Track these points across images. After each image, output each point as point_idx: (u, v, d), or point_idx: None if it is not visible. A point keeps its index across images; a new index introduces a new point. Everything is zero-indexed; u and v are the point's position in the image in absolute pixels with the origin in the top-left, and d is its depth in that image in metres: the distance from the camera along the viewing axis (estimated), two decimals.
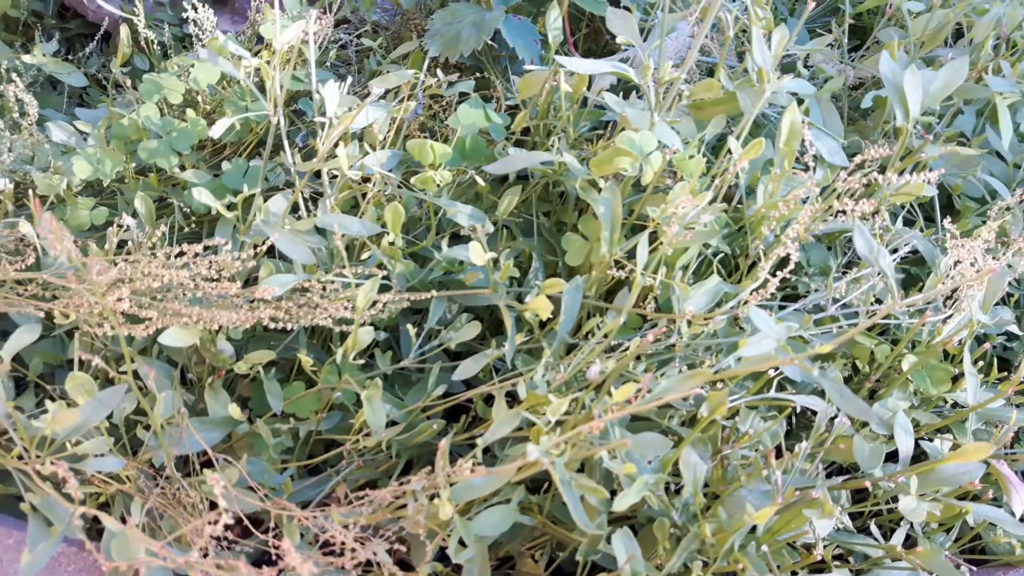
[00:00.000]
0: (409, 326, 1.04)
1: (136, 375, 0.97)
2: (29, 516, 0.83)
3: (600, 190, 1.05)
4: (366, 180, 1.14)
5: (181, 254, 0.91)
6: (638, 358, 1.02)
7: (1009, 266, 1.15)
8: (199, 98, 1.33)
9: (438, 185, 1.13)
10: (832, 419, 0.99)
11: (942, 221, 1.21)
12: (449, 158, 1.15)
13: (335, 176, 1.11)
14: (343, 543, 0.82)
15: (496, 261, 1.03)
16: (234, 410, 0.96)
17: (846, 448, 0.98)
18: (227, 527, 0.77)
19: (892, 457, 0.99)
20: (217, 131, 1.05)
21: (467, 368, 1.03)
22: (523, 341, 1.06)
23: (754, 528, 0.88)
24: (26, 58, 1.43)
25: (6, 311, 0.96)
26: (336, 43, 1.56)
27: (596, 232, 1.09)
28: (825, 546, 0.96)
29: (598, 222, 1.04)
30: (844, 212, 1.01)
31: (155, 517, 0.91)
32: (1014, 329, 1.18)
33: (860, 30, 1.70)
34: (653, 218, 1.02)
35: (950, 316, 1.10)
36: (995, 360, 1.18)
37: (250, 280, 1.08)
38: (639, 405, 0.77)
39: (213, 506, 0.92)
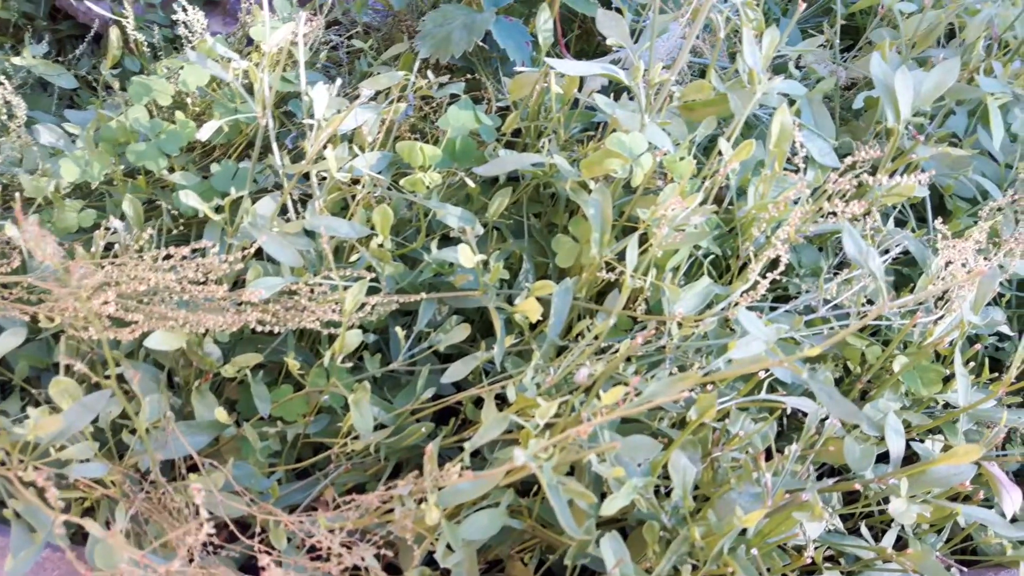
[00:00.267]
0: (398, 328, 1.04)
1: (122, 379, 0.96)
2: (12, 522, 0.83)
3: (590, 192, 1.04)
4: (355, 182, 1.13)
5: (168, 257, 0.91)
6: (628, 360, 1.01)
7: (1000, 267, 1.15)
8: (188, 100, 1.32)
9: (428, 187, 1.12)
10: (823, 420, 0.98)
11: (934, 222, 1.21)
12: (439, 160, 1.15)
13: (324, 178, 1.10)
14: (330, 548, 0.82)
15: (486, 263, 1.03)
16: (221, 414, 0.96)
17: (837, 450, 0.98)
18: (214, 532, 0.76)
19: (883, 458, 0.98)
20: (204, 133, 1.04)
21: (456, 370, 1.02)
22: (513, 343, 1.05)
23: (744, 531, 0.88)
24: (16, 60, 1.42)
25: None
26: (327, 44, 1.55)
27: (586, 234, 1.08)
28: (816, 548, 0.96)
29: (588, 224, 1.04)
30: (835, 214, 1.00)
31: (140, 522, 0.90)
32: (1005, 330, 1.18)
33: (852, 30, 1.70)
34: (643, 220, 1.02)
35: (941, 317, 1.09)
36: (986, 361, 1.18)
37: (238, 283, 1.08)
38: (628, 408, 0.77)
39: (199, 511, 0.91)
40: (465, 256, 0.99)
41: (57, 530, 0.75)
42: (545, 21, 1.27)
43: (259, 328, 0.94)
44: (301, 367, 1.01)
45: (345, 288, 0.98)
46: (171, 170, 1.23)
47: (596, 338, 0.96)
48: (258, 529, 0.88)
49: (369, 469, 1.03)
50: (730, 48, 1.48)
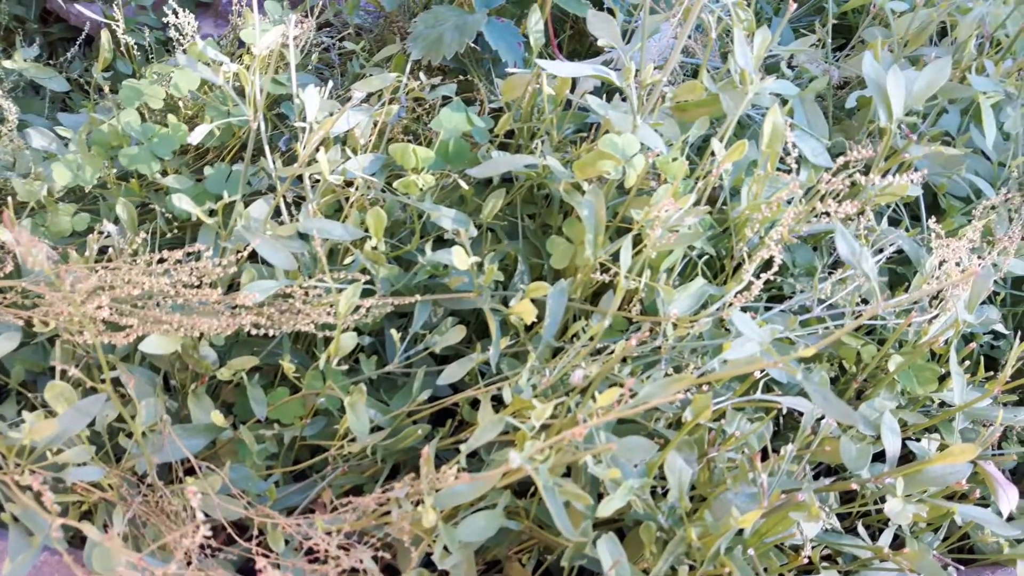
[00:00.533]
0: (393, 331, 1.04)
1: (118, 382, 0.96)
2: (10, 526, 0.83)
3: (584, 193, 1.04)
4: (349, 184, 1.13)
5: (162, 260, 0.91)
6: (624, 361, 1.01)
7: (994, 265, 1.15)
8: (180, 103, 1.32)
9: (421, 189, 1.12)
10: (819, 420, 0.99)
11: (927, 221, 1.21)
12: (432, 162, 1.15)
13: (317, 181, 1.10)
14: (327, 550, 0.82)
15: (481, 265, 1.03)
16: (217, 416, 0.96)
17: (833, 449, 0.98)
18: (211, 534, 0.76)
19: (880, 457, 0.99)
20: (196, 137, 1.04)
21: (452, 372, 1.02)
22: (509, 345, 1.05)
23: (741, 531, 0.88)
24: (7, 63, 1.42)
25: None
26: (318, 46, 1.55)
27: (580, 235, 1.09)
28: (813, 547, 0.96)
29: (582, 225, 1.04)
30: (828, 214, 1.01)
31: (138, 525, 0.90)
32: (1000, 328, 1.18)
33: (845, 29, 1.71)
34: (637, 221, 1.02)
35: (936, 316, 1.10)
36: (982, 359, 1.18)
37: (232, 286, 1.08)
38: (624, 410, 0.77)
39: (196, 514, 0.91)
40: (460, 258, 0.99)
41: (54, 534, 0.75)
42: (537, 22, 1.27)
43: (254, 331, 0.93)
44: (297, 370, 1.01)
45: (340, 291, 0.98)
46: (164, 173, 1.23)
47: (591, 339, 0.96)
48: (256, 531, 0.88)
49: (366, 471, 1.02)
50: (722, 48, 1.48)
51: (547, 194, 1.22)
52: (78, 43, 1.61)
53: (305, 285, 0.99)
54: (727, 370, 0.84)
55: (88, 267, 0.92)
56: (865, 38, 1.54)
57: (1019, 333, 1.27)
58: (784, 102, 1.28)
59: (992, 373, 1.15)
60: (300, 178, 1.11)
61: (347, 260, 1.08)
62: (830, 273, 1.17)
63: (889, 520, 1.01)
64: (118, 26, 1.40)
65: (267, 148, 1.08)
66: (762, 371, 1.00)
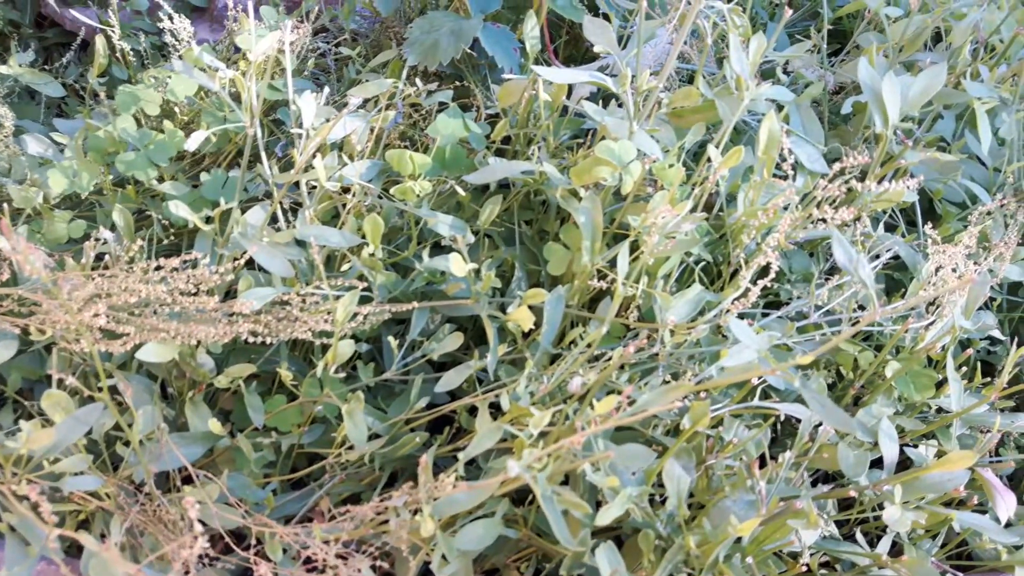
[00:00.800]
0: (391, 338, 1.04)
1: (115, 390, 0.96)
2: (7, 536, 0.82)
3: (581, 199, 1.04)
4: (346, 191, 1.13)
5: (159, 268, 0.91)
6: (621, 368, 1.01)
7: (991, 271, 1.16)
8: (177, 109, 1.32)
9: (418, 195, 1.12)
10: (817, 427, 0.99)
11: (924, 226, 1.21)
12: (429, 168, 1.15)
13: (314, 187, 1.10)
14: (325, 559, 0.81)
15: (478, 271, 1.03)
16: (215, 424, 0.95)
17: (831, 456, 0.98)
18: (209, 543, 0.76)
19: (878, 463, 0.99)
20: (192, 144, 1.04)
21: (450, 379, 1.02)
22: (506, 351, 1.05)
23: (739, 538, 0.88)
24: (2, 69, 1.42)
25: None
26: (315, 52, 1.55)
27: (577, 241, 1.09)
28: (811, 555, 0.96)
29: (579, 231, 1.04)
30: (825, 220, 1.01)
31: (135, 535, 0.90)
32: (997, 334, 1.19)
33: (839, 34, 1.71)
34: (634, 227, 1.02)
35: (933, 322, 1.10)
36: (978, 365, 1.18)
37: (229, 293, 1.08)
38: (622, 417, 0.77)
39: (194, 525, 0.91)
40: (457, 265, 0.99)
41: (51, 544, 0.75)
42: (533, 28, 1.27)
43: (252, 339, 0.93)
44: (294, 377, 1.01)
45: (337, 298, 0.98)
46: (161, 180, 1.22)
47: (589, 346, 0.96)
48: (253, 540, 0.88)
49: (364, 479, 1.02)
50: (718, 53, 1.48)
51: (544, 200, 1.22)
52: (73, 48, 1.61)
53: (302, 292, 0.99)
54: (725, 377, 0.84)
55: (85, 274, 0.92)
56: (860, 43, 1.54)
57: (1015, 339, 1.28)
58: (780, 108, 1.28)
59: (989, 379, 1.15)
60: (297, 184, 1.11)
61: (344, 267, 1.08)
62: (827, 279, 1.17)
63: (887, 527, 1.01)
64: (113, 31, 1.40)
65: (263, 154, 1.08)
66: (760, 378, 1.00)
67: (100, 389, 0.84)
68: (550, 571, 0.97)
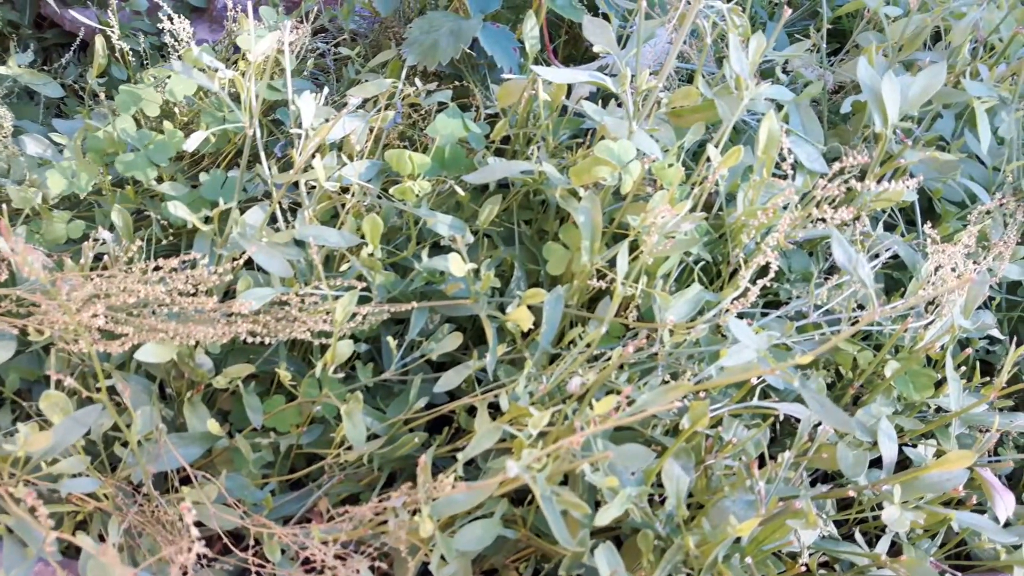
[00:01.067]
0: (390, 338, 1.04)
1: (114, 391, 0.96)
2: (4, 537, 0.82)
3: (580, 199, 1.04)
4: (345, 191, 1.13)
5: (157, 268, 0.90)
6: (620, 368, 1.01)
7: (990, 270, 1.15)
8: (176, 109, 1.31)
9: (417, 195, 1.12)
10: (816, 426, 0.98)
11: (923, 226, 1.21)
12: (428, 168, 1.15)
13: (313, 187, 1.10)
14: (324, 560, 0.81)
15: (477, 271, 1.03)
16: (213, 425, 0.95)
17: (830, 456, 0.98)
18: (207, 544, 0.76)
19: (877, 463, 0.98)
20: (191, 144, 1.04)
21: (449, 379, 1.02)
22: (505, 351, 1.05)
23: (738, 539, 0.88)
24: (1, 69, 1.42)
25: None
26: (314, 52, 1.55)
27: (577, 241, 1.08)
28: (810, 555, 0.96)
29: (578, 231, 1.04)
30: (824, 219, 1.00)
31: (133, 536, 0.90)
32: (996, 333, 1.19)
33: (839, 34, 1.71)
34: (633, 227, 1.02)
35: (932, 321, 1.10)
36: (977, 364, 1.18)
37: (228, 293, 1.07)
38: (621, 417, 0.77)
39: (191, 529, 0.91)
40: (456, 264, 0.99)
41: (48, 547, 0.74)
42: (532, 27, 1.27)
43: (250, 339, 0.93)
44: (293, 378, 1.01)
45: (336, 298, 0.98)
46: (160, 180, 1.22)
47: (588, 346, 0.96)
48: (252, 541, 0.88)
49: (363, 479, 1.02)
50: (717, 53, 1.48)
51: (543, 200, 1.22)
52: (73, 49, 1.61)
53: (301, 292, 0.99)
54: (724, 377, 0.84)
55: (83, 275, 0.92)
56: (859, 43, 1.54)
57: (1014, 338, 1.28)
58: (779, 107, 1.28)
59: (988, 378, 1.15)
60: (296, 184, 1.11)
61: (343, 267, 1.08)
62: (826, 279, 1.17)
63: (886, 527, 1.01)
64: (113, 31, 1.40)
65: (263, 154, 1.08)
66: (759, 377, 1.00)
67: (98, 390, 0.84)
68: (549, 571, 0.97)
